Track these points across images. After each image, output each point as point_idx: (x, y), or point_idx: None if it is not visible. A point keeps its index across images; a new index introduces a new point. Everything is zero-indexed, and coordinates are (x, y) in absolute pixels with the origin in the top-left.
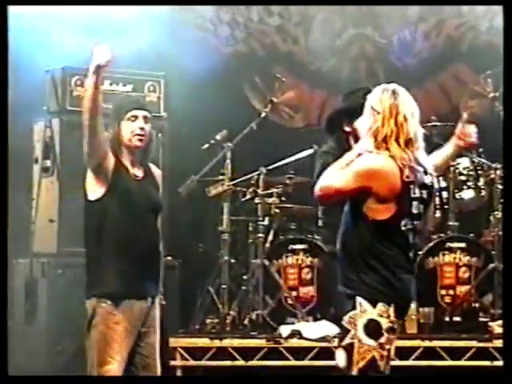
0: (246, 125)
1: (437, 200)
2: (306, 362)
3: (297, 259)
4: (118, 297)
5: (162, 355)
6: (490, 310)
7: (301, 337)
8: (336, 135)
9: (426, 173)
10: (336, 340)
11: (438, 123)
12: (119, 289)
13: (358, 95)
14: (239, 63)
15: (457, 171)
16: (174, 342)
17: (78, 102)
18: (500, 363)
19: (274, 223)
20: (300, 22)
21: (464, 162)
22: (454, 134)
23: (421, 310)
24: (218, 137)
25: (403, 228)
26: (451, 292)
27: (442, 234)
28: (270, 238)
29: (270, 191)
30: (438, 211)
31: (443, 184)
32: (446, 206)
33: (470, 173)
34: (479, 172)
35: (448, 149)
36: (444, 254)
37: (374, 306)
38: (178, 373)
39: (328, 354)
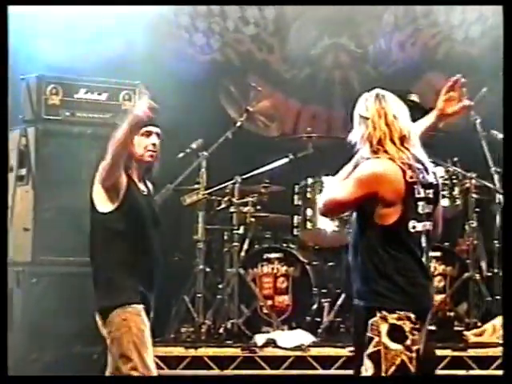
0: (222, 134)
1: None
2: (281, 372)
3: (272, 268)
4: (135, 302)
5: None
6: (465, 319)
7: (276, 346)
8: None
9: (427, 171)
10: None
11: None
12: (134, 296)
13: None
14: (215, 72)
15: None
16: None
17: (54, 111)
18: (476, 372)
19: (250, 232)
20: (276, 31)
21: (439, 172)
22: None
23: None
24: (193, 145)
25: (411, 230)
26: None
27: None
28: (246, 246)
29: (245, 200)
30: None
31: None
32: None
33: (445, 182)
34: (454, 181)
35: (430, 118)
36: None
37: (394, 312)
38: None
39: (303, 363)
